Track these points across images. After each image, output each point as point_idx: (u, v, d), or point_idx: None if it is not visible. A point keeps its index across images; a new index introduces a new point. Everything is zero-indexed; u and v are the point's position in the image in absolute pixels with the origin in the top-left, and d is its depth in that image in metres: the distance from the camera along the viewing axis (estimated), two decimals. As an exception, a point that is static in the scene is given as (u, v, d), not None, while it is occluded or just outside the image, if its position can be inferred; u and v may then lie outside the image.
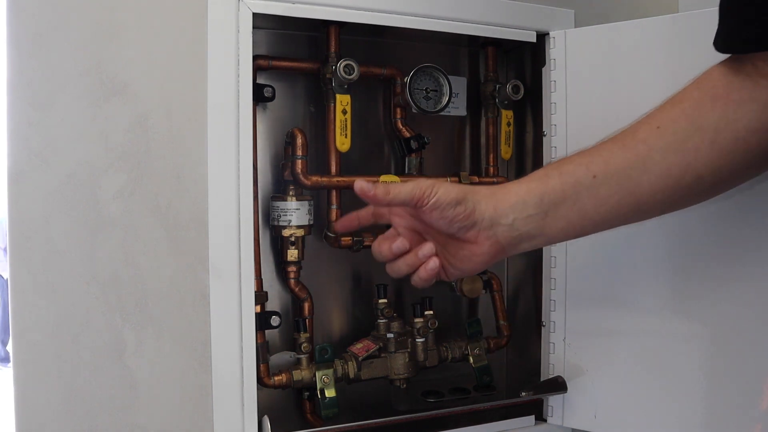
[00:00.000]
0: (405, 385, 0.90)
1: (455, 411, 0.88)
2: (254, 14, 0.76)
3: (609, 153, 0.63)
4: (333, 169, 0.88)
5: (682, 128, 0.60)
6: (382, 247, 0.67)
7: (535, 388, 0.90)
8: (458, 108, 1.00)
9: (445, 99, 0.92)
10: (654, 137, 0.61)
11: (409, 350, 0.90)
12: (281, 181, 0.89)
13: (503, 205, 0.63)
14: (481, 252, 0.64)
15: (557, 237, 0.66)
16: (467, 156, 1.04)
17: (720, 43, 0.61)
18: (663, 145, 0.60)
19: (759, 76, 0.58)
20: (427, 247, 0.65)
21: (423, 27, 0.85)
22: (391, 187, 0.64)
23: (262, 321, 0.82)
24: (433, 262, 0.65)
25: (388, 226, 0.71)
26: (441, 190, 0.63)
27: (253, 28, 0.76)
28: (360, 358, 0.87)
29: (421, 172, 0.93)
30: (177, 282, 0.74)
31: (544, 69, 0.93)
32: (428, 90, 0.92)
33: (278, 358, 0.88)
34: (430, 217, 0.64)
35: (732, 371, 0.78)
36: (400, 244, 0.65)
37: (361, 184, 0.63)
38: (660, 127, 0.61)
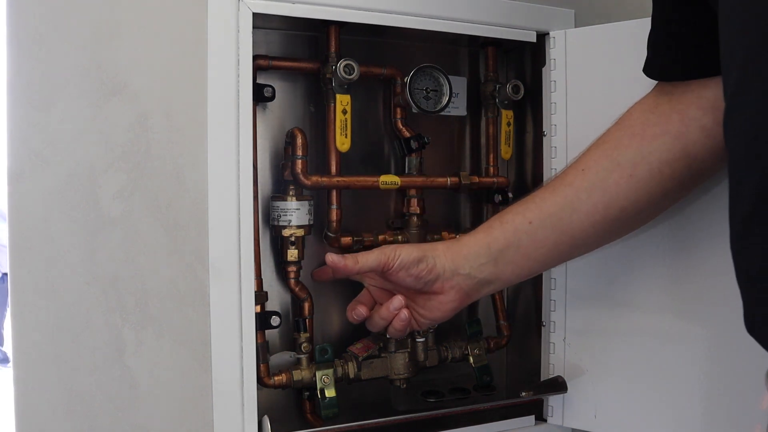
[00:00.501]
0: (405, 385, 0.90)
1: (455, 411, 0.88)
2: (254, 14, 0.76)
3: (541, 199, 0.72)
4: (333, 169, 0.88)
5: (603, 167, 0.68)
6: (357, 309, 0.78)
7: (535, 388, 0.90)
8: (458, 108, 1.00)
9: (445, 99, 0.92)
10: (579, 179, 0.69)
11: (409, 350, 0.89)
12: (281, 181, 0.89)
13: (458, 257, 0.73)
14: (448, 300, 0.74)
15: (511, 280, 0.75)
16: (467, 156, 1.04)
17: (647, 70, 0.69)
18: (587, 185, 0.68)
19: (671, 110, 0.65)
20: (397, 300, 0.75)
21: (423, 27, 0.85)
22: (359, 256, 0.74)
23: (262, 321, 0.82)
24: (404, 314, 0.75)
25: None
26: (403, 253, 0.73)
27: (253, 28, 0.76)
28: (360, 358, 0.87)
29: (421, 172, 0.93)
30: (177, 282, 0.74)
31: (544, 69, 0.93)
32: (428, 90, 0.92)
33: (278, 358, 0.88)
34: (397, 277, 0.74)
35: (731, 371, 0.78)
36: (361, 310, 0.77)
37: (332, 258, 0.74)
38: (584, 169, 0.69)
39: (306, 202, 0.86)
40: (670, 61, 0.66)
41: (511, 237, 0.72)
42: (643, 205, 0.68)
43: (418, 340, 0.90)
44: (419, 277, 0.73)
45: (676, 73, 0.66)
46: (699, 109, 0.64)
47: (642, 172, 0.66)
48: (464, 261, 0.73)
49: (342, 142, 0.87)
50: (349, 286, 0.96)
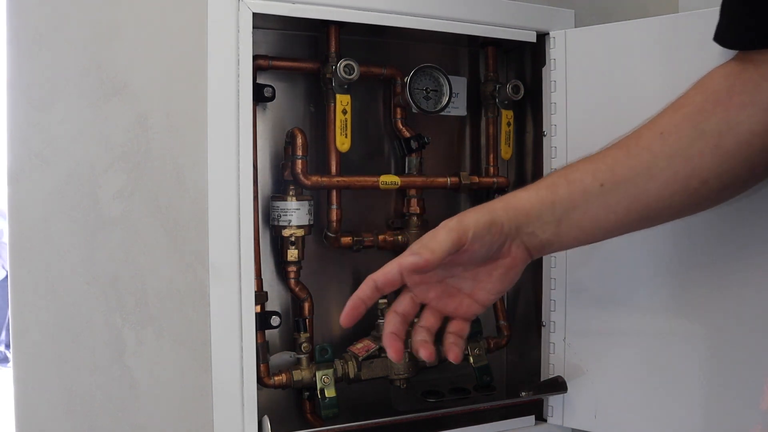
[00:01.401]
0: (405, 385, 0.90)
1: (455, 411, 0.88)
2: (254, 14, 0.76)
3: (614, 161, 0.63)
4: (333, 169, 0.88)
5: (685, 134, 0.60)
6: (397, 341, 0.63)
7: (535, 388, 0.89)
8: (458, 108, 1.00)
9: (445, 99, 0.92)
10: (658, 144, 0.62)
11: (409, 350, 0.89)
12: (281, 181, 0.89)
13: (520, 215, 0.64)
14: (515, 263, 0.65)
15: (571, 244, 0.67)
16: (467, 156, 1.04)
17: (721, 38, 0.62)
18: (668, 152, 0.61)
19: (760, 78, 0.58)
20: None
21: (423, 27, 0.85)
22: (431, 245, 0.60)
23: (262, 321, 0.82)
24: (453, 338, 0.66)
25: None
26: (472, 223, 0.61)
27: (253, 28, 0.76)
28: (360, 358, 0.87)
29: (421, 172, 0.93)
30: (177, 282, 0.74)
31: (544, 69, 0.93)
32: (428, 90, 0.92)
33: (278, 358, 0.88)
34: (470, 253, 0.62)
35: (732, 371, 0.78)
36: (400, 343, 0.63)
37: (408, 261, 0.59)
38: (663, 133, 0.62)
39: (306, 202, 0.86)
40: (750, 27, 0.59)
41: (579, 199, 0.63)
42: (727, 179, 0.61)
43: (418, 340, 0.90)
44: (492, 244, 0.63)
45: (760, 39, 0.58)
46: None
47: (728, 144, 0.59)
48: (527, 219, 0.64)
49: (342, 142, 0.87)
50: (349, 286, 0.96)
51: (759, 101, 0.58)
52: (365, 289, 0.60)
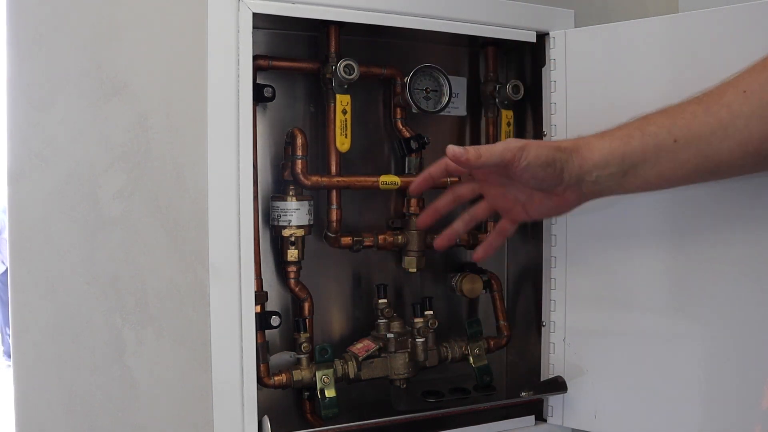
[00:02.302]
0: (405, 385, 0.90)
1: (455, 411, 0.88)
2: (254, 14, 0.76)
3: (692, 116, 0.62)
4: (333, 169, 0.88)
5: (766, 92, 0.59)
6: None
7: (535, 388, 0.90)
8: (458, 108, 1.00)
9: (445, 99, 0.92)
10: (739, 102, 0.60)
11: (409, 350, 0.90)
12: (281, 181, 0.89)
13: (588, 163, 0.65)
14: (567, 204, 0.68)
15: (633, 191, 0.67)
16: (467, 156, 1.04)
17: None
18: (747, 112, 0.59)
19: None
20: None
21: (423, 27, 0.85)
22: (482, 150, 0.66)
23: (262, 321, 0.82)
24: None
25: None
26: (531, 154, 0.64)
27: (253, 28, 0.76)
28: (360, 358, 0.87)
29: (420, 172, 0.93)
30: (177, 282, 0.74)
31: (544, 69, 0.93)
32: (428, 90, 0.92)
33: (278, 358, 0.88)
34: (520, 177, 0.66)
35: (732, 371, 0.78)
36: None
37: (453, 150, 0.65)
38: (747, 91, 0.60)
39: (306, 202, 0.86)
40: None
41: (650, 153, 0.63)
42: None
43: (417, 340, 0.90)
44: (544, 181, 0.66)
45: None
46: None
47: None
48: (593, 168, 0.65)
49: (342, 142, 0.87)
50: (349, 286, 0.96)
51: None
52: (434, 167, 0.70)
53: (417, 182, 0.74)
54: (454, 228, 0.77)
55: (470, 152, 0.65)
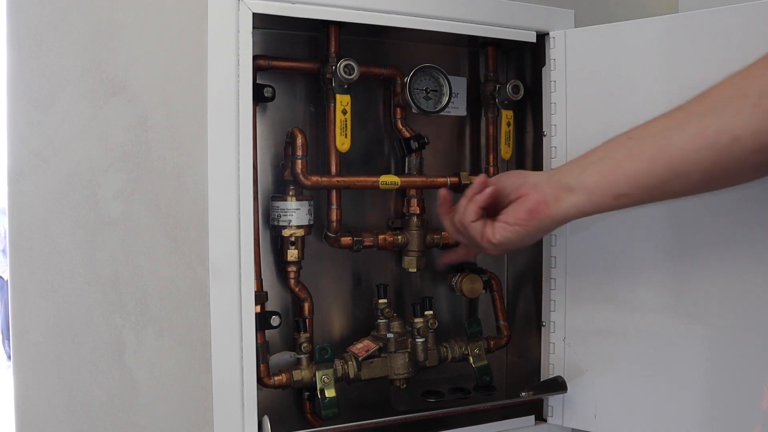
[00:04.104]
0: (405, 385, 0.90)
1: (455, 411, 0.88)
2: (254, 14, 0.76)
3: (649, 121, 0.66)
4: (333, 169, 0.88)
5: (725, 95, 0.61)
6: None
7: (535, 388, 0.90)
8: (458, 108, 1.00)
9: (445, 99, 0.92)
10: (696, 104, 0.63)
11: (409, 350, 0.90)
12: (281, 181, 0.89)
13: (554, 169, 0.73)
14: (525, 199, 0.70)
15: (594, 193, 0.67)
16: (467, 156, 1.04)
17: None
18: (702, 110, 0.62)
19: None
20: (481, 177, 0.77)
21: (423, 27, 0.85)
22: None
23: (262, 321, 0.82)
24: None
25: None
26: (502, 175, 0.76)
27: (253, 28, 0.76)
28: (360, 358, 0.87)
29: (421, 173, 0.93)
30: (177, 282, 0.74)
31: (544, 69, 0.93)
32: (428, 90, 0.92)
33: (278, 358, 0.88)
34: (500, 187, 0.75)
35: (732, 371, 0.78)
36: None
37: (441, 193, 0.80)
38: (705, 96, 0.62)
39: (306, 202, 0.86)
40: None
41: (607, 150, 0.68)
42: (764, 139, 0.60)
43: (417, 340, 0.90)
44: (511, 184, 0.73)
45: None
46: None
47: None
48: (557, 170, 0.71)
49: (342, 142, 0.87)
50: (349, 286, 0.96)
51: None
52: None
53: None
54: (460, 253, 0.85)
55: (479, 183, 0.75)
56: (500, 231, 0.72)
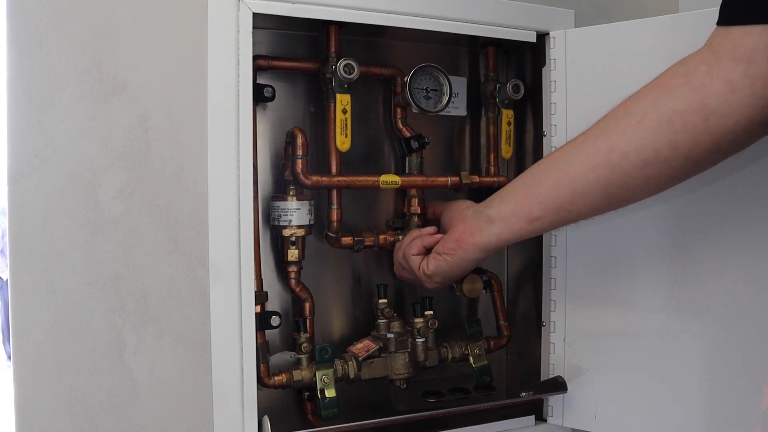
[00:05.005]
0: (405, 385, 0.90)
1: (455, 411, 0.88)
2: (254, 14, 0.76)
3: (557, 150, 0.74)
4: (333, 168, 0.88)
5: (615, 116, 0.67)
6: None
7: (535, 388, 0.90)
8: (458, 108, 1.00)
9: (446, 99, 0.92)
10: (593, 127, 0.69)
11: (409, 350, 0.89)
12: (281, 181, 0.89)
13: (483, 203, 0.79)
14: (457, 230, 0.79)
15: (511, 221, 0.74)
16: (467, 156, 1.04)
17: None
18: (596, 132, 0.68)
19: (701, 62, 0.63)
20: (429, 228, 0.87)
21: (423, 27, 0.85)
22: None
23: (262, 321, 0.82)
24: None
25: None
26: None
27: (253, 28, 0.76)
28: (360, 358, 0.87)
29: (421, 172, 0.93)
30: (177, 282, 0.74)
31: (544, 69, 0.93)
32: (428, 90, 0.92)
33: (278, 358, 0.88)
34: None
35: (732, 371, 0.78)
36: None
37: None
38: (602, 119, 0.69)
39: (306, 202, 0.86)
40: (723, 4, 0.62)
41: (520, 179, 0.76)
42: (648, 154, 0.65)
43: (417, 340, 0.90)
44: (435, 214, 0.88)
45: (723, 16, 0.62)
46: (731, 61, 0.59)
47: (650, 121, 0.64)
48: (483, 204, 0.78)
49: (342, 141, 0.87)
50: (349, 286, 0.96)
51: (691, 82, 0.62)
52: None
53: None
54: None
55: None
56: (432, 261, 0.81)
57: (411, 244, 0.85)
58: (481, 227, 0.76)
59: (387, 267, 0.98)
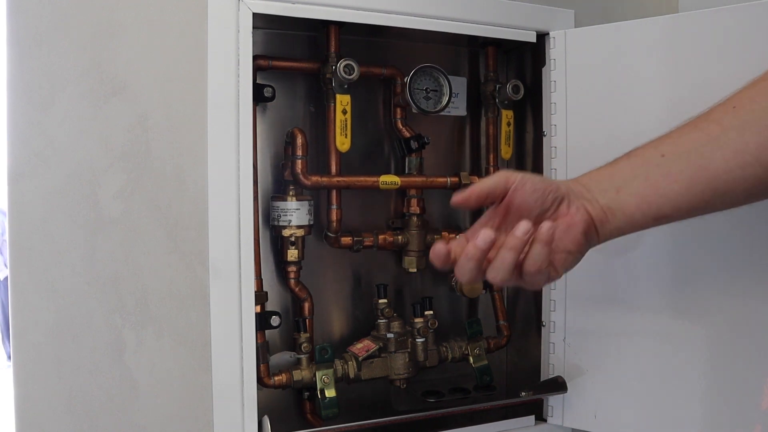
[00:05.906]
0: (405, 385, 0.90)
1: (455, 411, 0.88)
2: (254, 14, 0.76)
3: (679, 134, 0.62)
4: (333, 169, 0.88)
5: (760, 105, 0.58)
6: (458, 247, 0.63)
7: (535, 388, 0.90)
8: (458, 108, 1.00)
9: (445, 99, 0.92)
10: (729, 117, 0.59)
11: (409, 350, 0.89)
12: (281, 181, 0.89)
13: (578, 184, 0.64)
14: (577, 220, 0.63)
15: (635, 215, 0.64)
16: (467, 156, 1.04)
17: None
18: (738, 124, 0.59)
19: None
20: (524, 224, 0.60)
21: (423, 27, 0.85)
22: (478, 183, 0.63)
23: (262, 321, 0.82)
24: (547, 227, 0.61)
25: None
26: (522, 174, 0.63)
27: (253, 28, 0.76)
28: (360, 358, 0.87)
29: (421, 172, 0.93)
30: (177, 282, 0.74)
31: (544, 69, 0.93)
32: (428, 90, 0.92)
33: (278, 358, 0.88)
34: (522, 195, 0.63)
35: (732, 371, 0.78)
36: (486, 235, 0.60)
37: (455, 199, 0.63)
38: (736, 107, 0.59)
39: (306, 202, 0.86)
40: None
41: (638, 168, 0.63)
42: None
43: (418, 340, 0.90)
44: (546, 192, 0.63)
45: None
46: None
47: None
48: (585, 185, 0.64)
49: (342, 142, 0.87)
50: (349, 286, 0.96)
51: None
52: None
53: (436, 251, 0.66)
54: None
55: (463, 193, 0.63)
56: (562, 263, 0.64)
57: (562, 238, 0.63)
58: (602, 220, 0.63)
59: (387, 267, 0.98)
